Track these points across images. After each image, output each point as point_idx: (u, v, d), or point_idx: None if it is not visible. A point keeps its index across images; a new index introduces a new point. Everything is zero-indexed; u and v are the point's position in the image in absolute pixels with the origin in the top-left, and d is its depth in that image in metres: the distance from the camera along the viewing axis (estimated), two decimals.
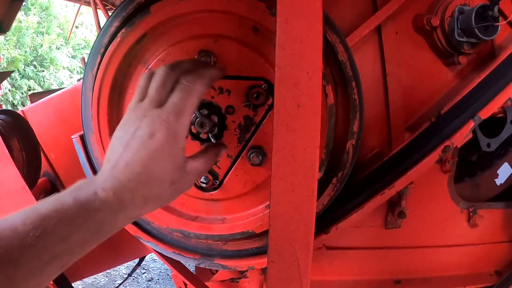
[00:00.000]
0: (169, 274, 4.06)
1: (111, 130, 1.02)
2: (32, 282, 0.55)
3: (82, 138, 1.13)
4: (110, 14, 2.55)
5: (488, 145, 1.26)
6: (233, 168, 0.98)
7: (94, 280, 3.97)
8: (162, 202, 0.71)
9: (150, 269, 4.22)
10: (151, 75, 0.72)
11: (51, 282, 1.49)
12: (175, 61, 0.75)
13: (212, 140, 0.93)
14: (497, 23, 1.12)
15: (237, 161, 0.97)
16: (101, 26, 2.66)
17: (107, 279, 4.03)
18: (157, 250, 1.16)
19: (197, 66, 0.76)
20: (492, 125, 1.26)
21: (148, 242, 1.13)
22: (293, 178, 0.71)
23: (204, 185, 0.98)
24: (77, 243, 0.59)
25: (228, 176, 0.99)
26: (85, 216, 0.59)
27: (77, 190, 0.62)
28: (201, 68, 0.75)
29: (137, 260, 2.62)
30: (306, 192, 0.72)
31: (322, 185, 1.02)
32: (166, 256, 1.17)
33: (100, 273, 3.97)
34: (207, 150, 0.81)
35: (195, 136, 0.96)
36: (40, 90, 11.35)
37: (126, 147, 0.65)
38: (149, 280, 4.04)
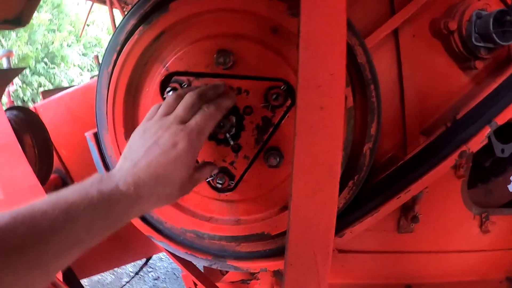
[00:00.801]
0: (176, 273, 4.07)
1: (126, 128, 1.02)
2: (58, 262, 0.61)
3: (95, 135, 1.13)
4: (125, 12, 2.55)
5: (502, 150, 1.25)
6: (249, 170, 0.98)
7: (100, 278, 3.98)
8: (169, 202, 0.81)
9: (156, 268, 4.22)
10: (179, 97, 0.84)
11: (60, 280, 1.50)
12: (202, 89, 0.86)
13: (230, 140, 0.93)
14: None
15: (254, 162, 0.97)
16: (116, 24, 2.67)
17: (113, 277, 4.04)
18: (169, 250, 1.15)
19: (218, 95, 0.88)
20: (507, 131, 1.25)
21: (160, 242, 1.12)
22: (315, 181, 0.71)
23: (219, 185, 0.98)
24: (98, 229, 0.66)
25: (244, 177, 0.98)
26: (107, 206, 0.67)
27: (98, 182, 0.69)
28: (220, 98, 0.87)
29: (144, 259, 2.63)
30: (327, 195, 0.72)
31: (339, 188, 1.02)
32: (177, 256, 1.17)
33: (106, 271, 3.99)
34: (205, 165, 0.92)
35: (212, 137, 0.96)
36: (50, 87, 11.41)
37: (148, 150, 0.75)
38: (156, 279, 4.04)
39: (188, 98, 0.82)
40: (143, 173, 0.72)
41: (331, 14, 0.65)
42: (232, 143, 0.94)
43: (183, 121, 0.79)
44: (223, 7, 0.90)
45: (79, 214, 0.62)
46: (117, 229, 0.70)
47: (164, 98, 0.98)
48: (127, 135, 1.02)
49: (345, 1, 0.66)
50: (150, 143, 0.76)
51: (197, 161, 0.97)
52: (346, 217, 1.08)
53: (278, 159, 0.93)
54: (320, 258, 0.74)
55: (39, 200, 0.62)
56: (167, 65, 0.96)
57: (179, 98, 0.84)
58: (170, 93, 0.94)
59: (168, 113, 0.82)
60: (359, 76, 0.96)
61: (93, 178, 0.70)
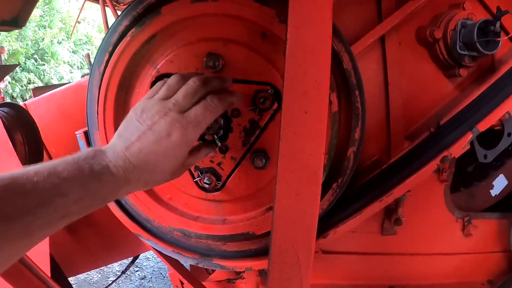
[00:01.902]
0: (162, 273, 4.06)
1: (117, 128, 1.02)
2: (44, 232, 0.63)
3: (86, 134, 1.14)
4: (118, 12, 2.56)
5: (485, 156, 1.28)
6: (236, 170, 1.00)
7: (87, 276, 3.97)
8: (157, 185, 0.84)
9: (143, 267, 4.22)
10: (182, 79, 0.81)
11: (48, 276, 1.50)
12: (207, 77, 0.83)
13: (217, 142, 0.95)
14: (498, 39, 1.14)
15: (241, 164, 0.99)
16: (108, 23, 2.67)
17: (100, 275, 4.02)
18: (156, 248, 1.17)
19: (222, 87, 0.85)
20: (490, 137, 1.28)
21: (147, 240, 1.14)
22: (298, 182, 0.73)
23: (207, 186, 1.00)
24: (86, 205, 0.67)
25: (231, 178, 1.00)
26: (97, 185, 0.68)
27: (90, 158, 0.70)
28: (224, 91, 0.85)
29: (130, 258, 2.63)
30: (310, 196, 0.74)
31: (322, 190, 1.03)
32: (164, 254, 1.18)
33: (93, 270, 3.97)
34: (200, 148, 0.90)
35: (200, 138, 0.97)
36: (40, 83, 11.30)
37: (142, 135, 0.74)
38: (142, 278, 4.03)
39: (191, 83, 0.79)
40: (134, 159, 0.73)
41: (317, 23, 0.68)
42: (219, 144, 0.96)
43: (182, 110, 0.77)
44: (213, 12, 0.93)
45: (69, 190, 0.64)
46: (102, 206, 0.72)
47: None
48: None
49: (331, 11, 0.69)
50: (145, 127, 0.75)
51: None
52: (330, 219, 1.10)
53: (264, 161, 0.96)
54: (302, 256, 0.77)
55: (32, 168, 0.63)
56: (157, 67, 0.98)
57: (182, 81, 0.81)
58: None
59: (168, 96, 0.79)
60: (344, 82, 0.99)
61: (86, 152, 0.71)
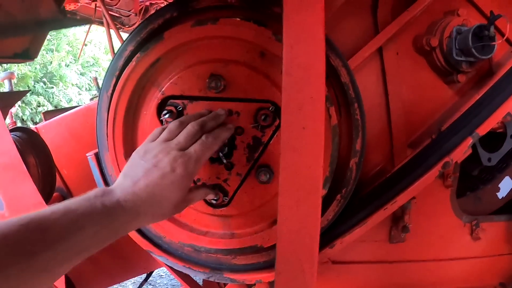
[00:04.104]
0: None
1: (126, 149, 1.07)
2: (63, 267, 0.67)
3: (96, 155, 1.18)
4: (121, 33, 2.62)
5: (489, 159, 1.29)
6: (242, 186, 1.02)
7: None
8: (163, 219, 0.88)
9: (157, 285, 4.22)
10: (181, 124, 0.90)
11: None
12: (203, 120, 0.92)
13: (223, 159, 0.98)
14: (493, 43, 1.15)
15: (246, 179, 1.02)
16: (113, 46, 2.74)
17: None
18: (168, 264, 1.19)
19: (218, 124, 0.95)
20: (493, 140, 1.29)
21: (159, 257, 1.16)
22: (298, 194, 0.76)
23: (214, 202, 1.03)
24: (102, 239, 0.72)
25: (237, 193, 1.03)
26: (110, 219, 0.73)
27: (100, 196, 0.75)
28: (218, 129, 0.94)
29: (144, 276, 2.64)
30: (311, 207, 0.77)
31: (327, 202, 1.06)
32: (176, 270, 1.20)
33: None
34: (201, 188, 0.97)
35: None
36: (49, 106, 11.46)
37: (148, 171, 0.81)
38: None
39: (190, 128, 0.88)
40: (142, 193, 0.78)
41: (310, 41, 0.71)
42: (225, 161, 0.99)
43: (183, 148, 0.85)
44: (213, 34, 0.97)
45: (85, 225, 0.68)
46: (117, 239, 0.76)
47: (161, 121, 1.03)
48: (127, 155, 1.07)
49: (323, 28, 0.72)
50: (150, 165, 0.82)
51: (194, 182, 1.03)
52: (336, 229, 1.12)
53: (268, 176, 0.98)
54: (307, 266, 0.79)
55: (47, 209, 0.67)
56: (163, 90, 1.02)
57: (181, 126, 0.90)
58: (167, 115, 0.99)
59: (169, 138, 0.87)
60: (343, 95, 1.02)
61: (95, 192, 0.76)
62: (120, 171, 1.08)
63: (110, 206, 0.74)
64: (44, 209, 0.67)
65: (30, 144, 1.66)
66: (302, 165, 0.74)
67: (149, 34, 1.05)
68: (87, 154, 1.22)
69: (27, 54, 1.15)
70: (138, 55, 1.01)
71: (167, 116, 0.99)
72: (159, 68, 1.02)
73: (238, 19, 0.97)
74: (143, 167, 0.82)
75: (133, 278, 3.92)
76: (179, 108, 1.00)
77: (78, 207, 0.70)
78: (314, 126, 0.72)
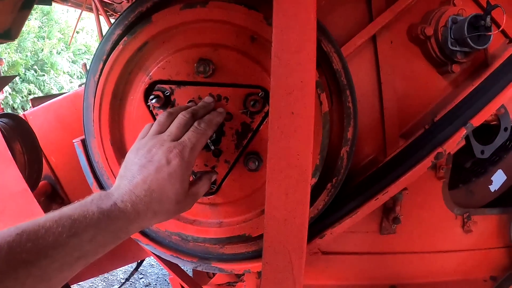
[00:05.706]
0: (167, 280, 4.05)
1: (112, 135, 1.05)
2: (62, 275, 0.65)
3: (83, 142, 1.15)
4: (111, 20, 2.58)
5: (482, 152, 1.28)
6: (230, 174, 1.00)
7: (91, 284, 3.97)
8: (168, 217, 0.83)
9: (147, 274, 4.21)
10: (170, 115, 0.88)
11: None
12: (194, 108, 0.90)
13: (211, 146, 0.96)
14: (489, 33, 1.14)
15: (234, 167, 1.00)
16: (103, 32, 2.69)
17: (104, 283, 4.02)
18: (156, 253, 1.17)
19: (208, 111, 0.92)
20: (486, 132, 1.28)
21: (146, 245, 1.14)
22: (287, 182, 0.74)
23: None
24: (100, 244, 0.70)
25: (225, 181, 1.01)
26: (107, 223, 0.70)
27: (98, 200, 0.72)
28: (209, 114, 0.91)
29: (134, 265, 2.63)
30: (300, 196, 0.75)
31: (317, 191, 1.05)
32: (164, 259, 1.19)
33: (97, 278, 3.97)
34: (202, 177, 0.92)
35: None
36: (40, 94, 11.34)
37: (143, 167, 0.78)
38: (147, 286, 4.03)
39: (181, 117, 0.86)
40: (139, 190, 0.75)
41: (301, 24, 0.69)
42: (213, 148, 0.97)
43: (176, 138, 0.82)
44: (202, 17, 0.94)
45: (81, 230, 0.66)
46: (117, 244, 0.74)
47: (148, 106, 1.00)
48: (113, 142, 1.05)
49: (315, 12, 0.69)
50: (144, 160, 0.79)
51: (194, 174, 1.00)
52: (326, 219, 1.11)
53: (257, 163, 0.96)
54: (295, 256, 0.77)
55: (43, 216, 0.65)
56: (150, 74, 0.99)
57: (171, 117, 0.87)
58: (154, 101, 0.97)
59: (160, 131, 0.85)
60: (335, 82, 1.00)
61: (92, 196, 0.73)
62: (106, 158, 1.06)
63: (107, 209, 0.71)
64: (39, 217, 0.65)
65: (16, 130, 1.63)
66: (291, 152, 0.72)
67: (138, 17, 1.01)
68: (73, 141, 1.19)
69: (8, 35, 1.11)
70: (125, 38, 0.98)
71: (154, 101, 0.96)
72: (147, 52, 0.99)
73: (228, 2, 0.94)
74: (137, 164, 0.79)
75: (123, 267, 3.94)
76: (167, 93, 0.98)
77: (74, 213, 0.67)
78: (304, 112, 0.70)
